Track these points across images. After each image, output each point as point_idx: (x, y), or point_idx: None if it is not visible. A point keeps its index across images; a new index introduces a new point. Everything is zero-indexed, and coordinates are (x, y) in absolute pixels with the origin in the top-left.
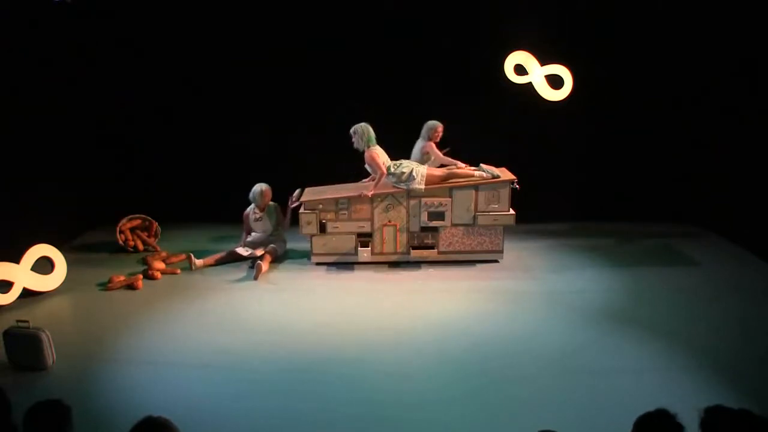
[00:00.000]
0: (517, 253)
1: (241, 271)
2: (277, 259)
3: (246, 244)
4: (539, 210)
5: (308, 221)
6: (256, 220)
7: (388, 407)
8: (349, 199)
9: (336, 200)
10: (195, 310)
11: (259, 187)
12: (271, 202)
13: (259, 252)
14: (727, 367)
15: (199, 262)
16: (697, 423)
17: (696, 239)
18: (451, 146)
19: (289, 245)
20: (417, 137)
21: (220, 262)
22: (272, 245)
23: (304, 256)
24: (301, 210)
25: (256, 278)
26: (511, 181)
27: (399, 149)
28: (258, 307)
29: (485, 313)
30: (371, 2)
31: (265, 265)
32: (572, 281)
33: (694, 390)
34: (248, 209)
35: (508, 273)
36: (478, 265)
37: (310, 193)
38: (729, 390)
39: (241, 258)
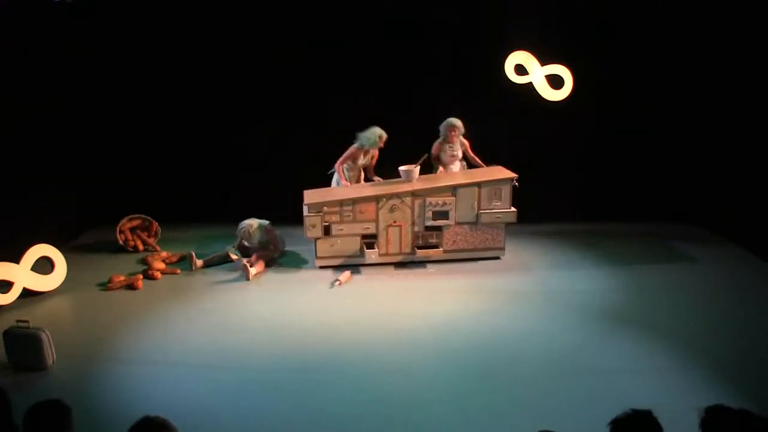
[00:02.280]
0: (517, 252)
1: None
2: (273, 259)
3: (239, 248)
4: (539, 210)
5: (312, 224)
6: (249, 245)
7: (389, 407)
8: (353, 200)
9: (340, 201)
10: (195, 310)
11: (244, 225)
12: (263, 221)
13: (245, 261)
14: (727, 367)
15: (199, 261)
16: (697, 423)
17: (696, 239)
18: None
19: (288, 247)
20: (416, 137)
21: (220, 262)
22: (265, 251)
23: (304, 256)
24: (305, 213)
25: (248, 279)
26: (512, 179)
27: (398, 149)
28: (258, 307)
29: (485, 312)
30: (371, 2)
31: (258, 266)
32: (572, 281)
33: (694, 390)
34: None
35: (508, 273)
36: (479, 265)
37: (312, 196)
38: (729, 390)
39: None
